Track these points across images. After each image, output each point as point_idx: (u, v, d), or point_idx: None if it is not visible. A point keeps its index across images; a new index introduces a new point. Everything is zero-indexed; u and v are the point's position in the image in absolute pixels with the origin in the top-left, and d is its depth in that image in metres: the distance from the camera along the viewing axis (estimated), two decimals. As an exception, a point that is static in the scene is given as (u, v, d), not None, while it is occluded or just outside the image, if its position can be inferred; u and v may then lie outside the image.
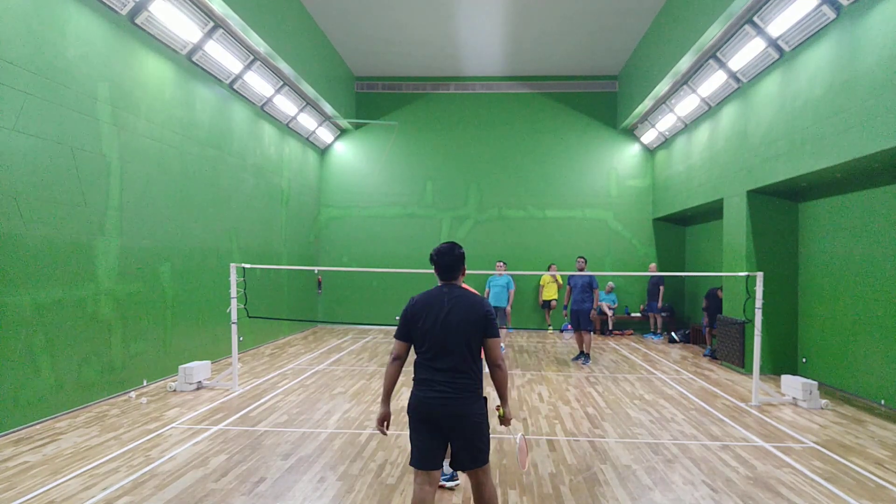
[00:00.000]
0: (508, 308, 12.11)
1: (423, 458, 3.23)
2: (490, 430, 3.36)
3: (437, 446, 3.25)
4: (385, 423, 3.42)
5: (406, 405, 3.44)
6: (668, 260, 15.01)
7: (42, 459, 4.99)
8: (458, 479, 4.60)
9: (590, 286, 10.06)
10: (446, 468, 4.45)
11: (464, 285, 3.68)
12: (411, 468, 4.91)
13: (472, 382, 3.25)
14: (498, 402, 3.45)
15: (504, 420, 3.40)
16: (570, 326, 14.94)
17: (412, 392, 3.31)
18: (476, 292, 3.67)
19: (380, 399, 7.28)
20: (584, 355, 10.16)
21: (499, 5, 11.49)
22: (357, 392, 7.78)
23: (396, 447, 5.50)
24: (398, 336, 3.37)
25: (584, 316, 9.97)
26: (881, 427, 6.32)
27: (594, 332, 14.56)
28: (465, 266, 3.53)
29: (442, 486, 4.46)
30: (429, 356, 3.26)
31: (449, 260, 3.44)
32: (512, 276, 14.19)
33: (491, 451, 5.36)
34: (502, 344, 10.95)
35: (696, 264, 14.04)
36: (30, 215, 5.96)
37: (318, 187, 15.60)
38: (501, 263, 11.60)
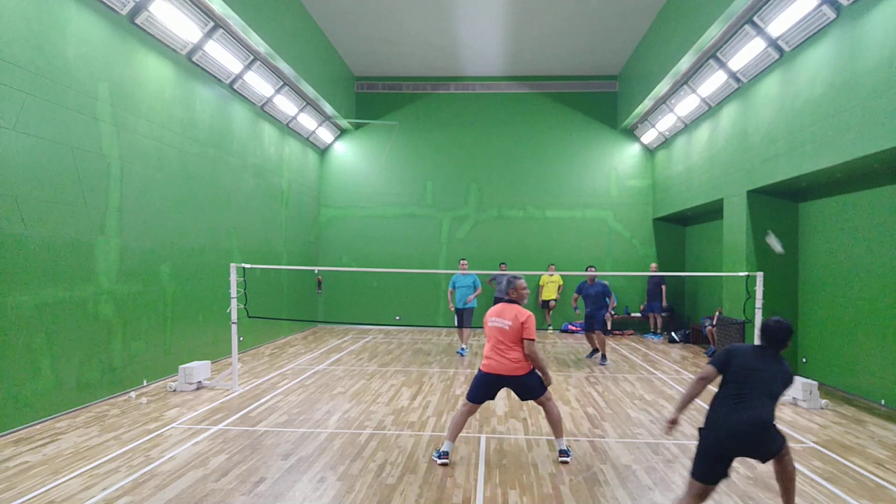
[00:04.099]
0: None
1: None
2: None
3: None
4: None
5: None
6: (668, 260, 15.01)
7: (42, 459, 4.99)
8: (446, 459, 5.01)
9: (604, 296, 10.17)
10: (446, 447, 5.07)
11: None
12: (411, 468, 4.92)
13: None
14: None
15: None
16: (573, 328, 15.01)
17: None
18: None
19: (379, 399, 7.29)
20: (600, 356, 10.26)
21: (499, 5, 11.49)
22: (357, 392, 7.78)
23: (396, 447, 5.50)
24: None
25: (598, 320, 10.14)
26: (881, 427, 6.32)
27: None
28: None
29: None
30: None
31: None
32: (495, 276, 14.19)
33: (491, 451, 5.37)
34: (464, 346, 10.97)
35: (696, 264, 14.04)
36: (30, 215, 5.96)
37: (318, 187, 15.60)
38: (465, 262, 11.42)
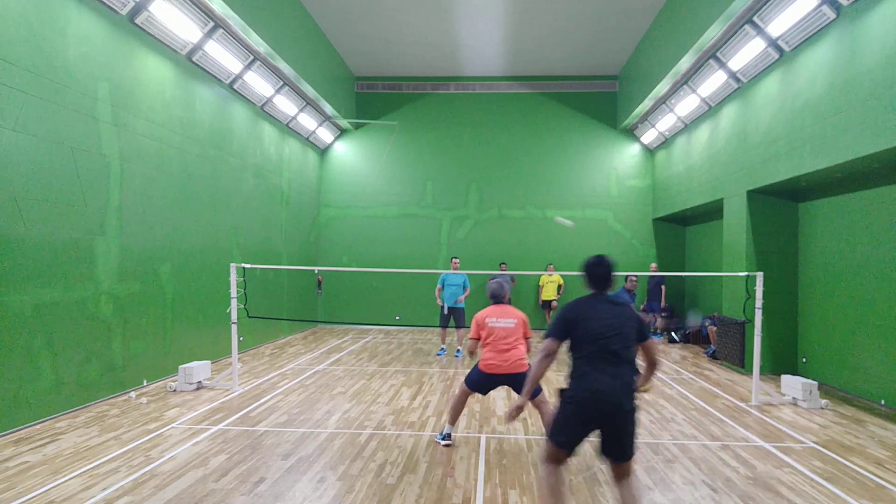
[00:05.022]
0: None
1: None
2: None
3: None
4: None
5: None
6: (668, 260, 15.01)
7: (42, 459, 4.99)
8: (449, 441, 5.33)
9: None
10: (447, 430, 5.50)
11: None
12: (411, 468, 4.92)
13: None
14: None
15: None
16: None
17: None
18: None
19: (379, 399, 7.30)
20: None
21: (499, 5, 11.49)
22: (357, 392, 7.78)
23: (396, 447, 5.50)
24: None
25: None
26: (881, 427, 6.32)
27: None
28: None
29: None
30: None
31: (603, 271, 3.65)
32: (512, 275, 14.20)
33: (491, 451, 5.37)
34: (459, 348, 10.94)
35: (696, 264, 14.03)
36: (30, 215, 5.96)
37: (318, 187, 15.60)
38: (457, 260, 11.35)
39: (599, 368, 3.36)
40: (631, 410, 3.35)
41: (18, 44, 5.82)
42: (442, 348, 11.02)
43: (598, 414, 3.34)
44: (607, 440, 3.40)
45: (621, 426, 3.34)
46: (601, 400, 3.31)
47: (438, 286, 10.83)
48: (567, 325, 3.51)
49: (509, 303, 5.58)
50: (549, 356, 3.53)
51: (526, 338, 5.37)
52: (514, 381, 5.23)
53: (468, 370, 9.37)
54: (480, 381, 5.37)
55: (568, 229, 7.81)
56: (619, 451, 3.38)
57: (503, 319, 5.33)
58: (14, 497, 4.21)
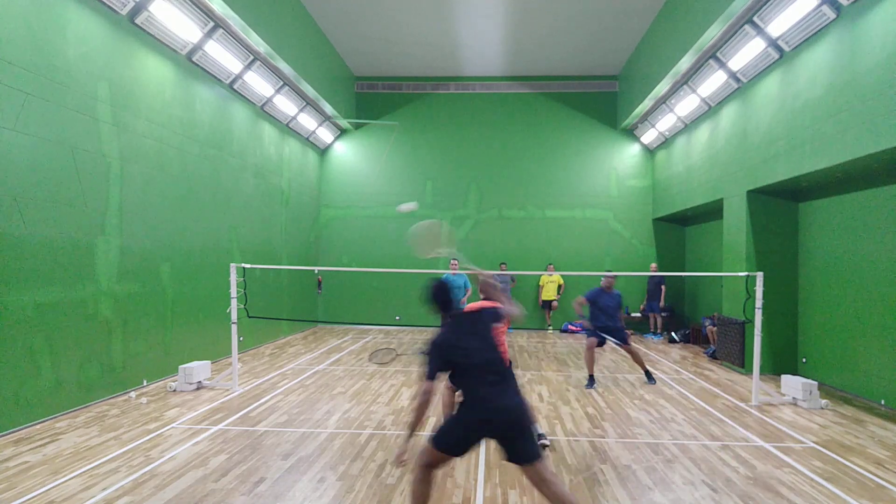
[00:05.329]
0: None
1: None
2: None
3: None
4: None
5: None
6: (668, 260, 15.01)
7: (42, 459, 4.99)
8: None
9: (620, 306, 8.70)
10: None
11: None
12: (411, 468, 4.91)
13: None
14: None
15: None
16: (573, 328, 15.01)
17: None
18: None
19: (379, 399, 7.30)
20: (646, 374, 8.58)
21: (499, 5, 11.49)
22: (357, 392, 7.78)
23: (396, 447, 5.50)
24: None
25: (622, 333, 8.45)
26: (881, 427, 6.32)
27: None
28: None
29: None
30: None
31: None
32: (512, 275, 14.20)
33: (491, 451, 5.37)
34: None
35: (696, 264, 14.03)
36: (30, 215, 5.96)
37: (318, 187, 15.60)
38: (456, 262, 11.25)
39: (485, 383, 3.41)
40: (520, 416, 3.40)
41: (18, 44, 5.82)
42: None
43: (489, 425, 3.38)
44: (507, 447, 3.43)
45: (516, 434, 3.37)
46: (494, 413, 3.36)
47: None
48: (442, 361, 3.50)
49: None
50: (427, 401, 3.44)
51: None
52: None
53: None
54: None
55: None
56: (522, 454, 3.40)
57: None
58: (14, 497, 4.21)
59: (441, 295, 3.68)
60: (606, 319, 8.44)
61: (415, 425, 3.43)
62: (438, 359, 3.49)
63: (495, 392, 3.40)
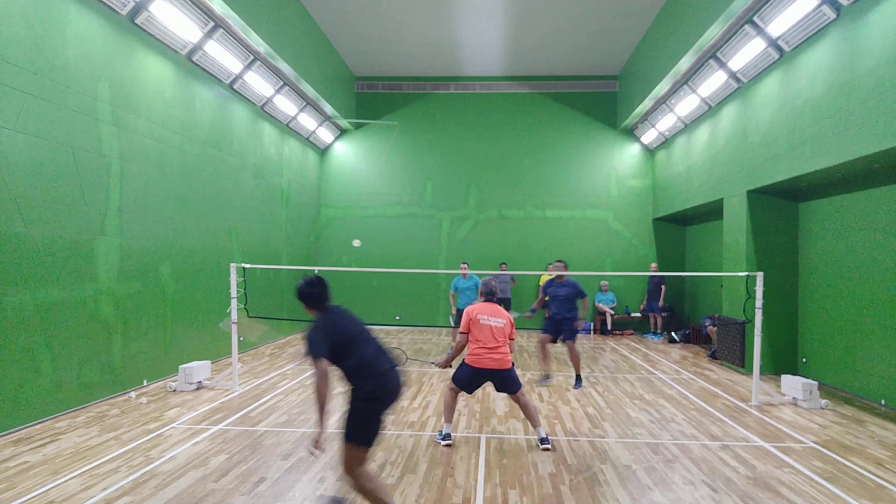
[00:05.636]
0: None
1: None
2: None
3: None
4: None
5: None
6: (668, 260, 15.01)
7: (42, 459, 4.99)
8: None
9: (575, 297, 8.04)
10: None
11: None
12: (411, 468, 4.92)
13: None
14: None
15: None
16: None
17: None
18: None
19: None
20: (577, 378, 8.17)
21: (499, 5, 11.49)
22: (357, 392, 7.77)
23: (396, 447, 5.50)
24: None
25: (567, 325, 7.98)
26: (881, 427, 6.32)
27: (594, 333, 14.59)
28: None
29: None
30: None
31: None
32: (512, 275, 14.20)
33: (491, 451, 5.37)
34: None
35: (696, 264, 14.04)
36: (30, 215, 5.96)
37: (318, 187, 15.60)
38: (465, 265, 11.12)
39: (382, 356, 3.69)
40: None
41: (18, 44, 5.82)
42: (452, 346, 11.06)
43: (397, 393, 3.71)
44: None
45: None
46: (393, 391, 3.69)
47: (452, 292, 10.79)
48: (331, 343, 3.58)
49: (509, 303, 5.76)
50: (327, 374, 3.51)
51: (510, 339, 5.66)
52: (501, 377, 5.52)
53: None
54: (469, 377, 5.56)
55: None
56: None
57: (494, 318, 5.59)
58: (14, 497, 4.21)
59: (318, 288, 3.83)
60: (556, 310, 8.07)
61: (321, 407, 3.47)
62: (327, 340, 3.55)
63: (388, 360, 3.70)
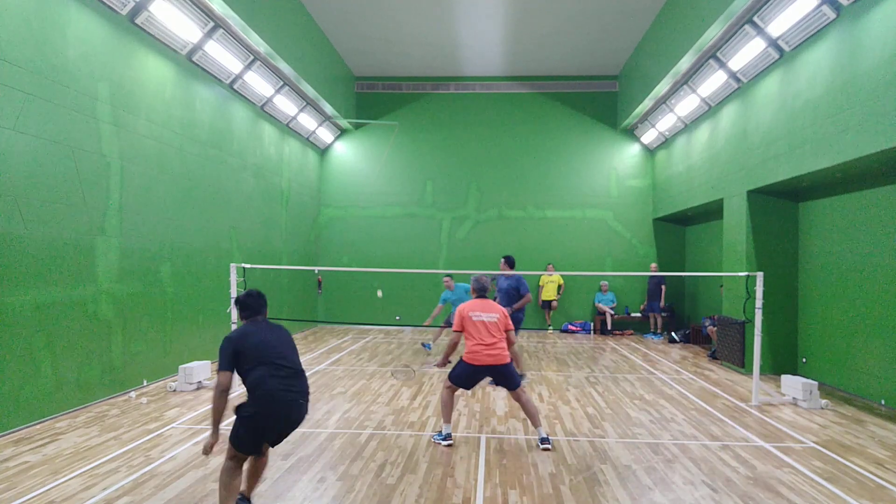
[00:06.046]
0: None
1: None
2: None
3: None
4: None
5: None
6: (668, 260, 15.02)
7: (42, 459, 4.99)
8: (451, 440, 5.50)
9: (517, 290, 8.19)
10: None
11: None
12: (411, 468, 4.92)
13: None
14: None
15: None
16: (573, 328, 15.04)
17: None
18: None
19: (379, 399, 7.30)
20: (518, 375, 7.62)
21: (499, 5, 11.49)
22: (357, 392, 7.78)
23: (396, 447, 5.50)
24: None
25: (514, 320, 7.94)
26: (881, 427, 6.32)
27: (593, 333, 14.60)
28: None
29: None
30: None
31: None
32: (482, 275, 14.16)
33: (491, 451, 5.37)
34: (428, 342, 11.27)
35: (696, 264, 14.04)
36: (30, 215, 5.96)
37: (318, 187, 15.60)
38: (448, 279, 10.70)
39: (277, 376, 3.74)
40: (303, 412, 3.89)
41: (18, 44, 5.81)
42: (430, 342, 11.35)
43: (280, 419, 3.77)
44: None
45: (295, 424, 3.88)
46: (277, 418, 3.75)
47: (440, 305, 10.69)
48: (234, 354, 3.73)
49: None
50: (225, 390, 3.69)
51: (507, 330, 5.67)
52: (499, 372, 5.54)
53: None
54: (467, 374, 5.59)
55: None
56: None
57: (486, 314, 5.63)
58: (14, 497, 4.21)
59: (250, 300, 4.04)
60: (501, 300, 8.31)
61: (217, 414, 3.66)
62: (232, 350, 3.72)
63: (284, 385, 3.74)
